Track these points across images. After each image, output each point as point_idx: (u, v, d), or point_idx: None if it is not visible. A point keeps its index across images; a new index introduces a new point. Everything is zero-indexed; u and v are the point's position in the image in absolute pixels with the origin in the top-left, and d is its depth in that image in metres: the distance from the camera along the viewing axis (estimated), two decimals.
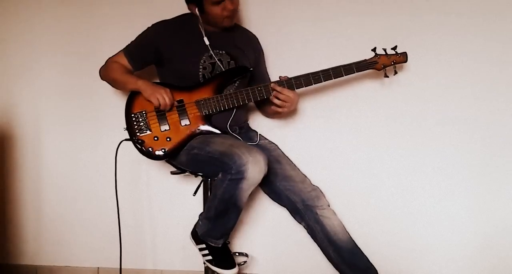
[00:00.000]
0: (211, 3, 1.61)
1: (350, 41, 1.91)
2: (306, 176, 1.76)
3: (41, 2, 2.14)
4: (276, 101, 1.67)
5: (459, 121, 1.85)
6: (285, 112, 1.72)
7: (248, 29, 1.92)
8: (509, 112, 1.82)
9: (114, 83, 1.77)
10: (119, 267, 1.78)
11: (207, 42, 1.69)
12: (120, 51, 1.76)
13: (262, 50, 1.91)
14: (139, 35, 1.75)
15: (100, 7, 2.10)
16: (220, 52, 1.73)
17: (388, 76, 1.73)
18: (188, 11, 1.74)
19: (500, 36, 1.82)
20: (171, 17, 1.76)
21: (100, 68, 1.80)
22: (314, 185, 1.74)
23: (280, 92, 1.66)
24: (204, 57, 1.70)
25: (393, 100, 1.89)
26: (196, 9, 1.65)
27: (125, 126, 1.69)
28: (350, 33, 1.91)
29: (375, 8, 1.90)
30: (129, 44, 1.77)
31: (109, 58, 1.78)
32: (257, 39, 1.90)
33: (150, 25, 1.74)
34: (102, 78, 1.81)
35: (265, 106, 1.85)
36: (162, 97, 1.62)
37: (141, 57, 1.75)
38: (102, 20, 2.10)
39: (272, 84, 1.67)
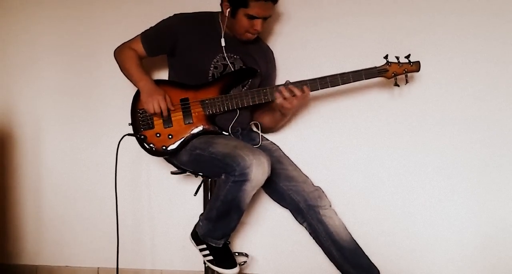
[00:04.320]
0: (244, 14, 1.62)
1: (351, 41, 1.91)
2: (307, 177, 1.76)
3: (41, 2, 2.14)
4: (280, 97, 1.63)
5: (459, 121, 1.85)
6: (289, 110, 1.67)
7: None
8: (509, 112, 1.82)
9: (122, 70, 1.76)
10: (119, 267, 1.78)
11: (223, 44, 1.70)
12: (137, 35, 1.75)
13: (275, 66, 1.91)
14: (159, 23, 1.74)
15: (100, 7, 2.10)
16: (235, 56, 1.73)
17: (398, 85, 1.70)
18: (207, 10, 1.76)
19: (500, 36, 1.82)
20: (193, 11, 1.77)
21: (116, 49, 1.78)
22: (315, 186, 1.74)
23: (286, 90, 1.62)
24: (218, 57, 1.70)
25: (393, 100, 1.90)
26: (228, 10, 1.65)
27: (130, 121, 1.69)
28: (350, 33, 1.91)
29: (375, 9, 1.90)
30: (147, 30, 1.75)
31: (125, 42, 1.76)
32: (272, 53, 1.90)
33: (171, 15, 1.74)
34: (115, 59, 1.79)
35: (265, 116, 1.84)
36: (158, 106, 1.62)
37: (157, 45, 1.75)
38: (102, 20, 2.10)
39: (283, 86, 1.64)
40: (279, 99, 1.64)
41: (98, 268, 2.12)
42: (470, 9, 1.84)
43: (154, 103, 1.62)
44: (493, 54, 1.82)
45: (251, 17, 1.63)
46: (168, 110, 1.66)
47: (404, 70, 1.67)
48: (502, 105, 1.82)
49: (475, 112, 1.84)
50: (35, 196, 2.16)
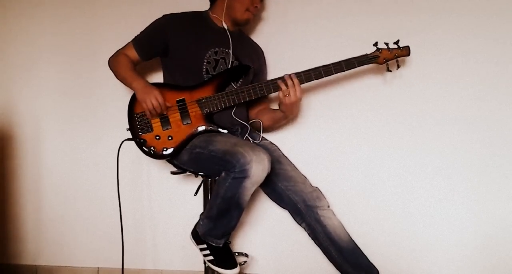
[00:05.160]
0: None
1: (350, 41, 1.91)
2: (306, 177, 1.76)
3: (41, 2, 2.14)
4: (282, 87, 1.63)
5: (459, 121, 1.85)
6: (288, 104, 1.65)
7: (248, 28, 1.93)
8: (509, 112, 1.82)
9: (116, 76, 1.79)
10: (119, 267, 1.78)
11: (225, 26, 1.75)
12: (129, 42, 1.78)
13: (265, 63, 1.93)
14: (148, 26, 1.77)
15: (100, 7, 2.10)
16: (226, 50, 1.74)
17: (391, 71, 1.72)
18: (207, 8, 1.81)
19: (500, 36, 1.82)
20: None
21: (110, 58, 1.81)
22: (314, 186, 1.74)
23: (287, 79, 1.63)
24: (209, 52, 1.72)
25: (393, 100, 1.89)
26: None
27: (128, 127, 1.69)
28: (350, 33, 1.92)
29: (375, 8, 1.90)
30: (138, 35, 1.78)
31: (118, 49, 1.79)
32: (263, 51, 1.93)
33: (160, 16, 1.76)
34: (109, 67, 1.81)
35: (263, 115, 1.85)
36: (156, 101, 1.62)
37: (149, 47, 1.77)
38: (102, 20, 2.10)
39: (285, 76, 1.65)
40: (280, 93, 1.64)
41: (98, 268, 2.12)
42: (470, 9, 1.84)
43: (151, 99, 1.63)
44: (493, 54, 1.82)
45: None
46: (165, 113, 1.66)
47: (395, 55, 1.70)
48: (502, 105, 1.82)
49: (475, 112, 1.84)
50: (35, 196, 2.16)
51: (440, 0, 1.86)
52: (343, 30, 1.92)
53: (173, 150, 1.66)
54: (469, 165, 1.84)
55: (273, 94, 1.75)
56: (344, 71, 1.67)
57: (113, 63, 1.78)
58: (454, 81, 1.85)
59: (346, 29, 1.92)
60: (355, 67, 1.68)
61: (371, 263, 1.71)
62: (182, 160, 1.68)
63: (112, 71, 1.79)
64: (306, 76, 1.66)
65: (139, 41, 1.77)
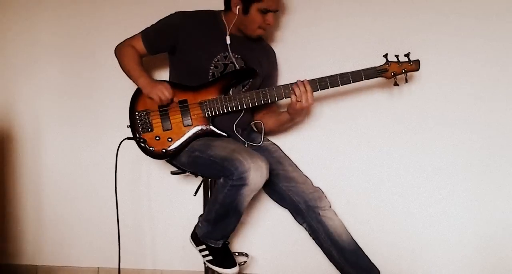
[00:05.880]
0: (258, 9, 1.63)
1: (351, 41, 1.91)
2: (307, 177, 1.76)
3: (41, 2, 2.14)
4: (294, 93, 1.61)
5: (459, 121, 1.85)
6: (298, 109, 1.63)
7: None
8: (509, 112, 1.82)
9: (122, 68, 1.76)
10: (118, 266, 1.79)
11: (228, 41, 1.69)
12: (138, 33, 1.75)
13: (277, 66, 1.90)
14: (160, 21, 1.73)
15: (100, 7, 2.10)
16: (236, 56, 1.71)
17: (398, 85, 1.67)
18: (208, 9, 1.76)
19: (500, 36, 1.82)
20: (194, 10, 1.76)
21: (117, 47, 1.78)
22: (315, 186, 1.74)
23: (300, 85, 1.60)
24: (219, 56, 1.70)
25: (393, 100, 1.89)
26: (238, 8, 1.65)
27: (129, 124, 1.69)
28: (350, 34, 1.91)
29: (375, 8, 1.90)
30: (148, 28, 1.75)
31: (126, 39, 1.76)
32: (275, 53, 1.89)
33: (172, 12, 1.73)
34: (115, 56, 1.79)
35: (269, 119, 1.83)
36: (162, 93, 1.62)
37: (157, 43, 1.74)
38: (102, 20, 2.10)
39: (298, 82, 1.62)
40: (293, 97, 1.62)
41: (98, 268, 2.12)
42: (470, 9, 1.83)
43: (158, 92, 1.61)
44: (493, 54, 1.82)
45: (264, 11, 1.64)
46: (167, 113, 1.66)
47: (404, 70, 1.64)
48: (502, 105, 1.82)
49: (475, 112, 1.84)
50: (35, 196, 2.16)
51: (440, 0, 1.86)
52: (343, 30, 1.92)
53: (172, 151, 1.66)
54: (469, 165, 1.84)
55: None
56: (350, 83, 1.63)
57: (120, 54, 1.75)
58: (454, 82, 1.85)
59: (347, 30, 1.91)
60: (362, 80, 1.63)
61: (373, 264, 1.71)
62: (181, 161, 1.68)
63: (118, 61, 1.76)
64: (311, 86, 1.62)
65: (147, 35, 1.73)
